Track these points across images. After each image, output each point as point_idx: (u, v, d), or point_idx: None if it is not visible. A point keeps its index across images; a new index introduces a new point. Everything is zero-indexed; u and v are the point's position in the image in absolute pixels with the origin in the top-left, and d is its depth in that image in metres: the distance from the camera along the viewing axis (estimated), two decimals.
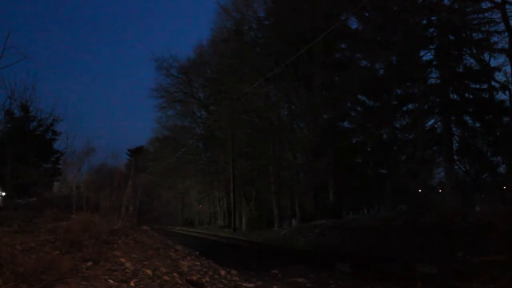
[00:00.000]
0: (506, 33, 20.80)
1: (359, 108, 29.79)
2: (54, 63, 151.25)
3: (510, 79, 22.81)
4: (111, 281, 5.73)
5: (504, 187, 24.82)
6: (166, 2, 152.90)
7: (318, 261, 13.04)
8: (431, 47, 25.63)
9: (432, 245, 13.93)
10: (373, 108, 28.48)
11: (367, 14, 26.81)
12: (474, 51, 24.63)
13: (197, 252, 13.26)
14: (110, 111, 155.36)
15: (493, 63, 23.78)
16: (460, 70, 25.55)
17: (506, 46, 21.18)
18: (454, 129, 25.59)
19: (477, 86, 25.37)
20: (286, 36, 29.04)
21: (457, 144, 25.77)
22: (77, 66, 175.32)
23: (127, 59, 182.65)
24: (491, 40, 23.28)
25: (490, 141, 24.82)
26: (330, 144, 28.20)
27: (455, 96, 25.65)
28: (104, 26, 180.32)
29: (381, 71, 28.36)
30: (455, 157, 25.65)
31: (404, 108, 27.71)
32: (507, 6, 20.23)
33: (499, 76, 23.56)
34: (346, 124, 32.27)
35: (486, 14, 22.80)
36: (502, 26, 21.53)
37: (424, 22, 25.80)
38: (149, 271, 6.84)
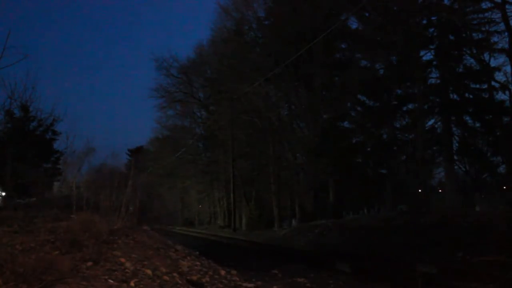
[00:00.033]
0: (506, 33, 20.81)
1: (359, 108, 29.77)
2: (54, 63, 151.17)
3: (510, 79, 22.82)
4: (111, 281, 5.74)
5: (504, 187, 24.81)
6: (166, 2, 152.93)
7: (318, 261, 13.04)
8: (431, 47, 25.62)
9: (432, 245, 13.92)
10: (373, 108, 28.46)
11: (367, 14, 26.80)
12: (474, 51, 24.62)
13: (197, 252, 13.28)
14: (110, 111, 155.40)
15: (493, 63, 23.81)
16: (460, 70, 25.53)
17: (506, 46, 21.18)
18: (454, 129, 25.58)
19: (477, 86, 25.35)
20: (286, 36, 29.03)
21: (457, 144, 25.76)
22: (77, 66, 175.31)
23: (127, 59, 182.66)
24: (491, 40, 23.28)
25: (490, 141, 24.80)
26: (330, 144, 28.19)
27: (455, 96, 25.64)
28: (104, 26, 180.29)
29: (381, 71, 28.34)
30: (455, 157, 25.64)
31: (404, 108, 27.69)
32: (507, 6, 20.25)
33: (499, 76, 23.59)
34: (346, 124, 32.27)
35: (486, 14, 22.82)
36: (502, 26, 21.56)
37: (424, 22, 25.79)
38: (149, 271, 6.84)
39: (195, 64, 44.75)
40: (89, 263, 6.29)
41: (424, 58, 25.59)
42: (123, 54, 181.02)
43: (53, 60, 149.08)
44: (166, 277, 6.92)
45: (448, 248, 13.31)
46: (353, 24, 29.94)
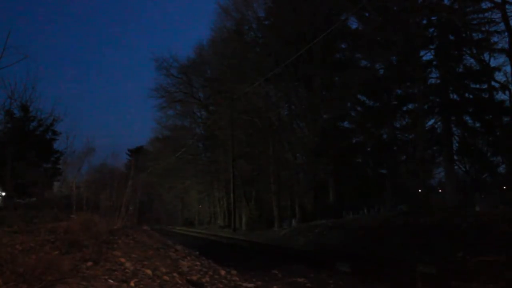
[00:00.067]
0: (506, 33, 20.78)
1: (359, 108, 29.77)
2: (54, 63, 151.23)
3: (510, 79, 22.82)
4: (111, 281, 5.74)
5: (504, 187, 24.79)
6: (166, 2, 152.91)
7: (318, 261, 13.04)
8: (431, 47, 25.62)
9: (432, 245, 13.92)
10: (373, 108, 28.46)
11: (367, 14, 26.77)
12: (474, 51, 24.62)
13: (197, 252, 13.28)
14: (110, 111, 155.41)
15: (493, 63, 23.80)
16: (460, 70, 25.53)
17: (506, 46, 21.17)
18: (454, 129, 25.58)
19: (477, 86, 25.36)
20: (286, 36, 29.04)
21: (457, 144, 25.76)
22: (77, 66, 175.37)
23: (127, 59, 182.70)
24: (491, 40, 23.27)
25: (490, 141, 24.80)
26: (330, 144, 28.18)
27: (455, 96, 25.65)
28: (104, 26, 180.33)
29: (381, 71, 28.34)
30: (455, 157, 25.63)
31: (404, 108, 27.69)
32: (507, 6, 20.23)
33: (499, 76, 23.59)
34: (346, 124, 32.30)
35: (486, 14, 22.80)
36: (502, 26, 21.54)
37: (424, 22, 25.78)
38: (149, 271, 6.85)
39: (195, 64, 44.76)
40: (89, 263, 6.29)
41: (424, 58, 25.62)
42: (123, 54, 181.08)
43: (53, 60, 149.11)
44: (166, 277, 6.92)
45: (448, 248, 13.30)
46: (353, 24, 30.00)
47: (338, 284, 9.42)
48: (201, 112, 48.73)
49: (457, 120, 25.40)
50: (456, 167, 25.74)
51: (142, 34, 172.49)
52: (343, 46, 32.03)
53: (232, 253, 18.45)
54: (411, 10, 23.56)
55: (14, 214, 9.99)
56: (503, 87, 23.27)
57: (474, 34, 24.41)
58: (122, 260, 7.03)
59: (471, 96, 25.45)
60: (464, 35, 24.93)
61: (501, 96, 23.87)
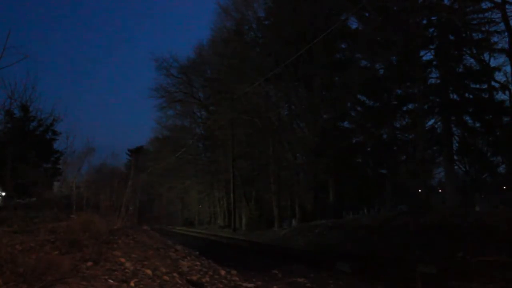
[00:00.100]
0: (506, 33, 20.78)
1: (359, 108, 29.75)
2: (54, 63, 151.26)
3: (510, 79, 22.82)
4: (111, 281, 5.74)
5: (504, 187, 24.81)
6: (166, 2, 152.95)
7: (318, 261, 13.04)
8: (431, 47, 25.61)
9: (432, 245, 13.93)
10: (373, 108, 28.44)
11: (367, 14, 26.77)
12: (474, 51, 24.62)
13: (197, 252, 13.27)
14: (110, 111, 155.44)
15: (493, 63, 23.81)
16: (460, 70, 25.52)
17: (506, 46, 21.17)
18: (454, 129, 25.56)
19: (477, 86, 25.35)
20: (286, 36, 29.03)
21: (457, 144, 25.75)
22: (77, 66, 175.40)
23: (127, 59, 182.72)
24: (491, 40, 23.26)
25: (490, 141, 24.80)
26: (330, 144, 28.18)
27: (455, 96, 25.63)
28: (104, 26, 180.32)
29: (381, 71, 28.32)
30: (455, 157, 25.63)
31: (404, 108, 27.67)
32: (507, 6, 20.22)
33: (499, 76, 23.59)
34: (346, 124, 32.25)
35: (486, 14, 22.78)
36: (502, 26, 21.53)
37: (424, 22, 25.76)
38: (149, 271, 6.84)
39: (195, 64, 44.77)
40: (89, 263, 6.29)
41: (424, 58, 25.59)
42: (123, 54, 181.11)
43: (53, 60, 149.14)
44: (166, 277, 6.92)
45: (448, 248, 13.31)
46: (353, 24, 29.98)
47: (338, 284, 9.41)
48: (201, 112, 48.75)
49: (457, 120, 25.39)
50: (456, 167, 25.74)
51: (142, 34, 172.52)
52: (343, 46, 32.01)
53: (232, 253, 18.45)
54: (411, 10, 23.55)
55: (14, 214, 9.99)
56: (503, 87, 23.27)
57: (474, 34, 24.42)
58: (122, 260, 7.03)
59: (471, 96, 25.44)
60: (464, 35, 24.92)
61: (501, 96, 23.90)
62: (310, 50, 26.11)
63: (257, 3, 33.83)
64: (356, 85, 26.07)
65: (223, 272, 9.30)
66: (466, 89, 25.26)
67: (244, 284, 8.37)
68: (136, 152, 53.69)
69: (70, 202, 11.68)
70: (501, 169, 25.20)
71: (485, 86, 24.68)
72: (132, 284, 5.89)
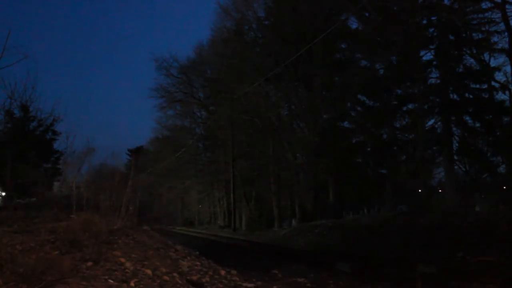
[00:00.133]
0: (506, 33, 20.78)
1: (359, 108, 29.76)
2: (54, 63, 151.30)
3: (510, 79, 22.83)
4: (111, 281, 5.74)
5: (504, 187, 24.79)
6: (166, 2, 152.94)
7: (318, 261, 13.04)
8: (431, 47, 25.62)
9: (432, 245, 13.92)
10: (373, 108, 28.45)
11: (367, 14, 26.78)
12: (474, 51, 24.62)
13: (197, 252, 13.28)
14: (110, 111, 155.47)
15: (493, 63, 23.81)
16: (460, 70, 25.53)
17: (506, 46, 21.17)
18: (454, 129, 25.58)
19: (477, 86, 25.36)
20: (286, 36, 29.03)
21: (457, 144, 25.76)
22: (77, 66, 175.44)
23: (127, 59, 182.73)
24: (491, 40, 23.28)
25: (490, 141, 24.80)
26: (330, 144, 28.18)
27: (455, 96, 25.65)
28: (104, 26, 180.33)
29: (381, 71, 28.34)
30: (455, 157, 25.63)
31: (404, 108, 27.70)
32: (507, 6, 20.23)
33: (499, 76, 23.59)
34: (346, 124, 32.26)
35: (486, 14, 22.81)
36: (502, 26, 21.54)
37: (424, 22, 25.79)
38: (149, 271, 6.84)
39: (195, 64, 44.76)
40: (89, 263, 6.29)
41: (424, 58, 25.63)
42: (123, 54, 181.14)
43: (53, 60, 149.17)
44: (166, 277, 6.92)
45: (448, 248, 13.30)
46: (353, 24, 29.98)
47: (338, 284, 9.41)
48: (201, 112, 48.74)
49: (457, 120, 25.40)
50: (456, 167, 25.75)
51: (142, 34, 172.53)
52: (343, 46, 32.01)
53: (232, 253, 18.44)
54: (411, 10, 23.56)
55: (14, 214, 10.00)
56: (503, 87, 23.27)
57: (474, 34, 24.43)
58: (122, 260, 7.03)
59: (471, 96, 25.45)
60: (464, 35, 24.93)
61: (501, 96, 23.91)
62: (310, 50, 26.11)
63: (257, 3, 33.85)
64: (356, 85, 26.08)
65: (223, 272, 9.30)
66: (466, 89, 25.27)
67: (244, 284, 8.37)
68: (136, 152, 53.66)
69: (70, 202, 11.67)
70: (501, 169, 25.21)
71: (485, 86, 24.69)
72: (132, 284, 5.89)
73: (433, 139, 25.84)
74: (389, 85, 26.86)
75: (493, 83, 23.80)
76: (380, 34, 25.28)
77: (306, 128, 30.93)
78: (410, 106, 27.23)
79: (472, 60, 25.04)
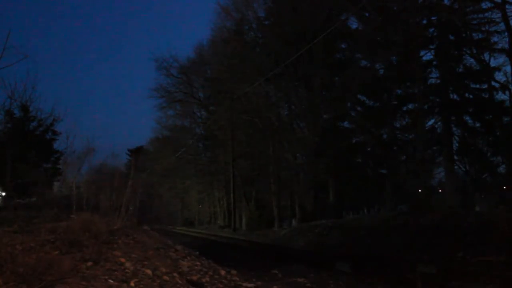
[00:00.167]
0: (506, 33, 20.79)
1: (359, 108, 29.75)
2: (54, 63, 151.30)
3: (510, 79, 22.83)
4: (111, 281, 5.74)
5: (504, 187, 24.79)
6: (166, 2, 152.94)
7: (318, 261, 13.04)
8: (431, 47, 25.62)
9: (432, 245, 13.92)
10: (373, 108, 28.45)
11: (367, 14, 26.79)
12: (474, 51, 24.63)
13: (197, 252, 13.28)
14: (110, 111, 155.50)
15: (493, 63, 23.82)
16: (460, 70, 25.53)
17: (506, 46, 21.18)
18: (454, 129, 25.58)
19: (477, 86, 25.37)
20: (286, 36, 29.02)
21: (457, 144, 25.76)
22: (77, 66, 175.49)
23: (127, 59, 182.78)
24: (491, 40, 23.29)
25: (490, 141, 24.81)
26: (330, 144, 28.17)
27: (455, 96, 25.65)
28: (104, 26, 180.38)
29: (381, 71, 28.34)
30: (455, 157, 25.64)
31: (404, 108, 27.69)
32: (507, 6, 20.24)
33: (499, 76, 23.60)
34: (346, 124, 32.26)
35: (486, 14, 22.82)
36: (502, 26, 21.55)
37: (424, 22, 25.79)
38: (149, 271, 6.84)
39: (195, 64, 44.78)
40: (89, 263, 6.29)
41: (424, 58, 25.63)
42: (123, 54, 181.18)
43: (53, 60, 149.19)
44: (166, 277, 6.92)
45: (448, 248, 13.31)
46: (353, 24, 29.98)
47: (338, 284, 9.42)
48: (201, 112, 48.74)
49: (457, 120, 25.40)
50: (456, 167, 25.74)
51: (142, 34, 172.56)
52: (343, 46, 32.02)
53: (232, 253, 18.44)
54: (411, 10, 23.56)
55: (14, 214, 10.00)
56: (503, 87, 23.28)
57: (474, 34, 24.43)
58: (122, 260, 7.03)
59: (471, 96, 25.45)
60: (464, 35, 24.93)
61: (501, 96, 23.92)
62: (310, 50, 26.12)
63: (257, 3, 33.86)
64: (356, 85, 26.07)
65: (223, 272, 9.30)
66: (466, 89, 25.28)
67: (244, 284, 8.37)
68: (136, 152, 53.57)
69: (70, 202, 11.66)
70: (501, 169, 25.21)
71: (485, 86, 24.69)
72: (132, 284, 5.89)
73: (433, 139, 25.84)
74: (389, 85, 26.86)
75: (493, 83, 23.81)
76: (380, 34, 25.29)
77: (306, 128, 30.93)
78: (410, 106, 27.23)
79: (472, 60, 25.06)
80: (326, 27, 23.81)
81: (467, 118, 25.41)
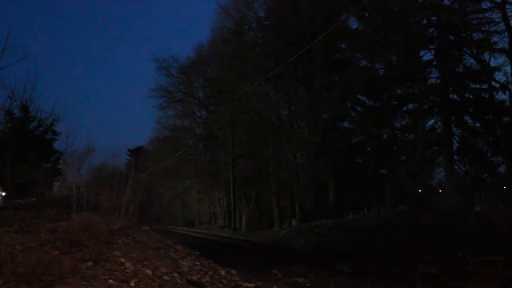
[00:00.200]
0: (506, 33, 20.80)
1: (359, 108, 29.78)
2: (54, 63, 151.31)
3: (510, 79, 22.86)
4: (111, 281, 5.74)
5: (504, 187, 24.80)
6: (166, 2, 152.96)
7: (318, 261, 13.04)
8: (431, 47, 25.63)
9: (432, 245, 13.91)
10: (373, 108, 28.47)
11: (367, 14, 26.80)
12: (474, 51, 24.64)
13: (197, 252, 13.29)
14: (110, 111, 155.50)
15: (493, 63, 23.84)
16: (460, 70, 25.55)
17: (506, 46, 21.19)
18: (454, 129, 25.59)
19: (477, 86, 25.38)
20: (286, 36, 29.03)
21: (457, 144, 25.78)
22: (77, 66, 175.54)
23: (127, 59, 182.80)
24: (491, 40, 23.31)
25: (490, 141, 24.82)
26: (330, 144, 28.18)
27: (455, 96, 25.67)
28: (104, 26, 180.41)
29: (381, 71, 28.35)
30: (455, 157, 25.65)
31: (404, 108, 27.72)
32: (507, 6, 20.24)
33: (499, 76, 23.62)
34: (346, 124, 32.28)
35: (486, 14, 22.84)
36: (502, 26, 21.57)
37: (424, 22, 25.79)
38: (149, 271, 6.84)
39: (195, 64, 44.77)
40: (89, 263, 6.29)
41: (424, 58, 25.65)
42: (123, 54, 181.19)
43: (53, 60, 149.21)
44: (166, 277, 6.92)
45: (448, 248, 13.30)
46: (353, 24, 29.99)
47: (338, 284, 9.42)
48: (201, 112, 48.76)
49: (457, 120, 25.41)
50: (456, 167, 25.75)
51: (142, 34, 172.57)
52: (343, 46, 32.03)
53: (232, 253, 18.44)
54: (411, 10, 23.56)
55: (14, 214, 9.99)
56: (503, 87, 23.30)
57: (474, 34, 24.44)
58: (122, 260, 7.03)
59: (471, 96, 25.47)
60: (464, 35, 24.94)
61: (501, 96, 23.95)
62: (310, 50, 26.12)
63: (257, 3, 33.86)
64: (356, 85, 26.07)
65: (223, 272, 9.30)
66: (466, 89, 25.29)
67: (244, 284, 8.37)
68: (136, 152, 53.68)
69: (70, 202, 11.66)
70: (501, 169, 25.23)
71: (485, 86, 24.71)
72: (132, 284, 5.89)
73: (433, 139, 25.85)
74: (389, 85, 26.87)
75: (493, 83, 23.83)
76: (380, 34, 25.29)
77: (306, 128, 30.94)
78: (410, 106, 27.26)
79: (472, 60, 25.08)
80: (326, 27, 23.82)
81: (467, 118, 25.44)
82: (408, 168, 26.90)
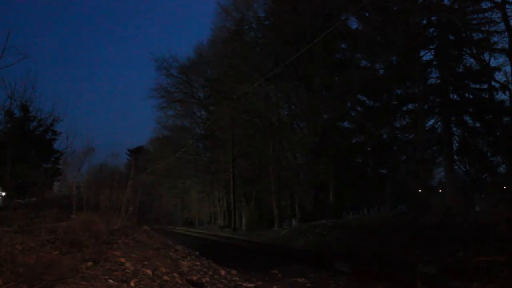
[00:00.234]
0: (506, 33, 20.79)
1: (359, 108, 29.78)
2: (54, 63, 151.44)
3: (510, 79, 22.84)
4: (111, 281, 5.74)
5: (504, 187, 24.80)
6: (166, 2, 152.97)
7: (318, 261, 13.04)
8: (431, 47, 25.61)
9: (432, 245, 13.92)
10: (373, 108, 28.47)
11: (367, 14, 26.78)
12: (474, 51, 24.63)
13: (197, 252, 13.29)
14: (110, 111, 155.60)
15: (493, 63, 23.82)
16: (460, 70, 25.53)
17: (506, 46, 21.18)
18: (454, 129, 25.57)
19: (477, 86, 25.36)
20: (286, 36, 29.04)
21: (457, 144, 25.76)
22: (77, 66, 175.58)
23: (127, 59, 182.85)
24: (491, 40, 23.29)
25: (490, 141, 24.81)
26: (330, 144, 28.19)
27: (455, 96, 25.64)
28: (105, 26, 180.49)
29: (381, 71, 28.34)
30: (455, 157, 25.64)
31: (404, 108, 27.70)
32: (507, 6, 20.24)
33: (499, 76, 23.60)
34: (346, 124, 32.28)
35: (486, 14, 22.81)
36: (502, 26, 21.55)
37: (424, 22, 25.78)
38: (149, 271, 6.85)
39: (195, 64, 44.78)
40: (89, 263, 6.29)
41: (424, 58, 25.59)
42: (123, 54, 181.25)
43: (53, 60, 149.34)
44: (166, 277, 6.92)
45: (448, 248, 13.31)
46: (353, 24, 29.97)
47: (338, 284, 9.42)
48: (201, 112, 48.78)
49: (457, 120, 25.40)
50: (456, 167, 25.74)
51: (142, 34, 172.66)
52: (343, 46, 32.02)
53: (232, 253, 18.45)
54: (411, 10, 23.56)
55: (14, 214, 9.99)
56: (503, 87, 23.28)
57: (474, 34, 24.42)
58: (122, 260, 7.03)
59: (471, 96, 25.45)
60: (464, 35, 24.93)
61: (501, 96, 23.92)
62: (310, 50, 26.10)
63: (257, 3, 33.86)
64: (356, 85, 26.08)
65: (223, 272, 9.31)
66: (466, 89, 25.27)
67: (244, 284, 8.38)
68: (136, 152, 53.78)
69: (70, 202, 11.66)
70: (501, 169, 25.22)
71: (485, 86, 24.69)
72: (132, 284, 5.89)
73: (433, 139, 25.84)
74: (389, 85, 26.86)
75: (493, 83, 23.81)
76: (380, 34, 25.28)
77: (306, 128, 30.95)
78: (410, 106, 27.24)
79: (472, 60, 25.06)
80: (326, 27, 23.79)
81: (467, 118, 25.42)
82: (408, 168, 26.90)
